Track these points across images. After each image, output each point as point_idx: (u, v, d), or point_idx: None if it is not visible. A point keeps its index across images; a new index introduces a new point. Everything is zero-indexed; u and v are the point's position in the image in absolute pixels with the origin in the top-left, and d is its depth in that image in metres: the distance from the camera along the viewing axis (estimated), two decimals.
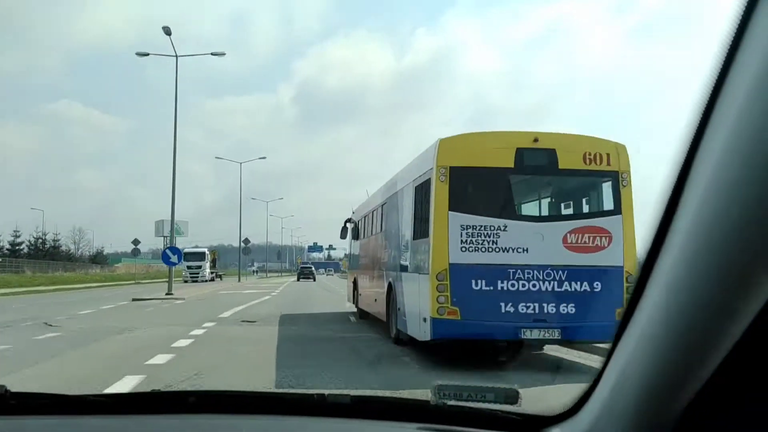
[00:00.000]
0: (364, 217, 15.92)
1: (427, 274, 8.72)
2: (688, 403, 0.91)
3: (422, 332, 8.91)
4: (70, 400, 1.60)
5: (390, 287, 11.48)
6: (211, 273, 58.19)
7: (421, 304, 9.06)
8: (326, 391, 1.64)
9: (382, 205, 13.02)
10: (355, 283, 17.32)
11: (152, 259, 60.00)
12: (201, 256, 56.06)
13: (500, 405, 1.51)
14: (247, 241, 58.89)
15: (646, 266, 0.90)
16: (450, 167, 8.73)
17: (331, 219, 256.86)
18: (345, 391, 2.28)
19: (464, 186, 8.76)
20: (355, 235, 17.59)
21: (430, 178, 8.97)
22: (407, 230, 10.33)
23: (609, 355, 1.08)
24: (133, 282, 52.80)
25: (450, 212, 8.63)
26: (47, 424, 1.54)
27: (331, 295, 32.34)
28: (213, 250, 63.26)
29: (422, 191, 9.50)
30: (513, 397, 1.52)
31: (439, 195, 8.72)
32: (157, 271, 69.45)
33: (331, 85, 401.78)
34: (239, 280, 57.23)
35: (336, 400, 1.56)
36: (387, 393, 4.92)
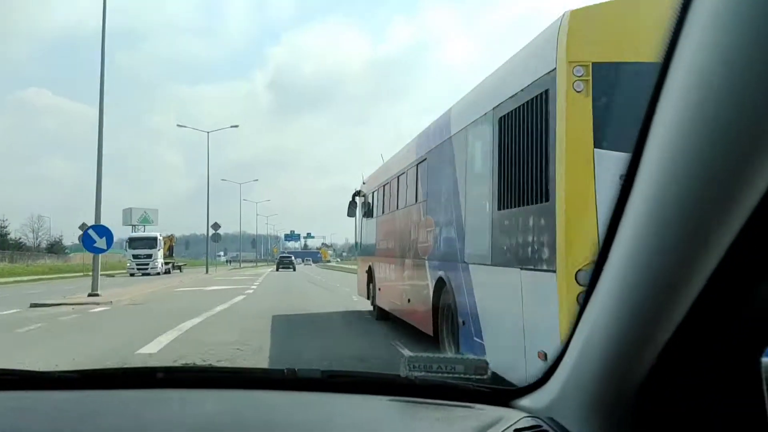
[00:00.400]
0: (384, 186, 12.34)
1: (548, 272, 4.73)
2: (649, 369, 0.93)
3: (530, 373, 4.57)
4: (36, 375, 1.66)
5: (441, 285, 7.84)
6: (167, 263, 48.04)
7: (528, 326, 5.13)
8: (297, 367, 1.60)
9: (419, 164, 9.33)
10: (370, 273, 13.68)
11: (121, 249, 50.40)
12: (151, 242, 44.84)
13: (469, 377, 1.51)
14: (216, 226, 49.77)
15: (607, 241, 0.94)
16: (593, 64, 4.58)
17: (307, 208, 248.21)
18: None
19: (619, 101, 4.52)
20: (369, 211, 14.11)
21: (542, 93, 4.96)
22: (482, 194, 6.30)
23: (574, 326, 1.10)
24: (81, 274, 43.43)
25: (598, 151, 4.48)
26: (12, 397, 1.55)
27: (324, 291, 24.16)
28: (169, 236, 52.75)
29: (517, 122, 5.44)
30: (482, 369, 1.52)
31: (574, 119, 4.55)
32: (118, 262, 59.84)
33: (307, 73, 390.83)
34: (207, 272, 47.40)
35: (307, 374, 1.59)
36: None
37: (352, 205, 15.41)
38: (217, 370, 1.81)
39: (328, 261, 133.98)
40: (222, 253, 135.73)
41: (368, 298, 13.97)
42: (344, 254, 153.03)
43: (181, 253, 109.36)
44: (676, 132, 0.76)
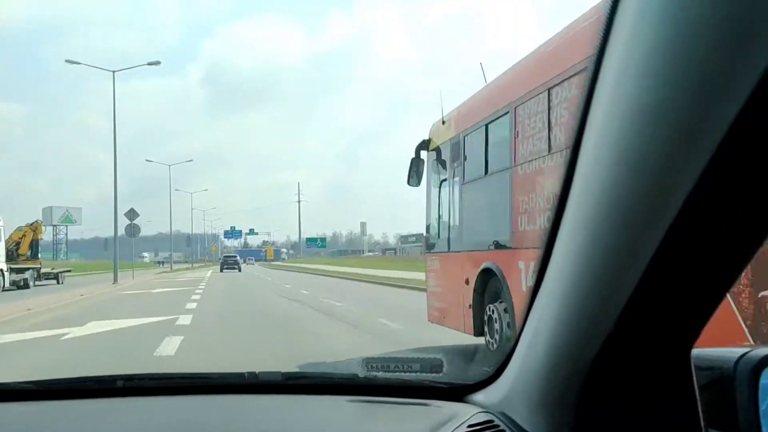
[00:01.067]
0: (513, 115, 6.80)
1: None
2: (590, 363, 0.93)
3: None
4: None
5: None
6: (19, 270, 28.84)
7: None
8: (258, 370, 1.59)
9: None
10: (485, 283, 7.42)
11: (43, 252, 33.78)
12: None
13: (426, 375, 1.55)
14: (133, 214, 34.50)
15: (552, 231, 0.95)
16: None
17: (248, 205, 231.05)
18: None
19: None
20: (464, 171, 8.19)
21: None
22: None
23: (525, 318, 1.12)
24: None
25: None
26: None
27: (313, 312, 14.59)
28: (32, 225, 31.87)
29: None
30: (438, 367, 1.56)
31: None
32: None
33: (243, 67, 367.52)
34: (115, 281, 29.87)
35: (268, 377, 1.60)
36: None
37: (418, 165, 9.33)
38: (179, 376, 1.70)
39: (273, 260, 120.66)
40: (146, 254, 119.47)
41: (476, 333, 7.54)
42: (290, 252, 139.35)
43: (99, 254, 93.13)
44: (608, 128, 0.77)
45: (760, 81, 0.58)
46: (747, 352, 0.97)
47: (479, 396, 1.36)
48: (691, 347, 0.92)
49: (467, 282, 7.79)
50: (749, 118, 0.61)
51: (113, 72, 31.22)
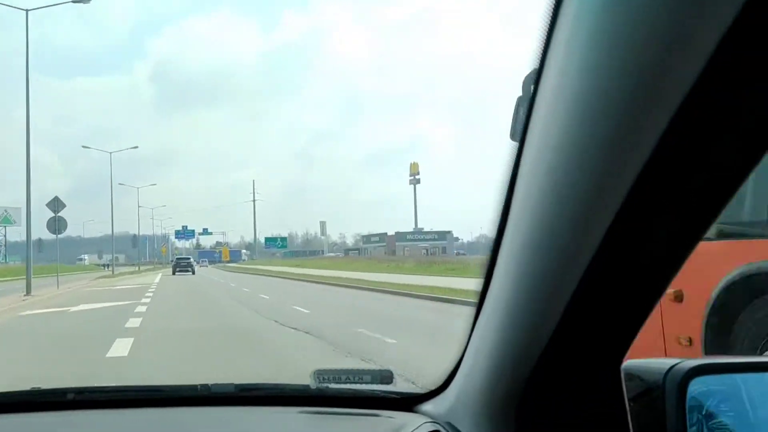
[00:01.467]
0: None
1: None
2: (530, 375, 0.94)
3: None
4: None
5: None
6: None
7: None
8: (211, 382, 1.58)
9: None
10: None
11: None
12: None
13: (377, 385, 1.54)
14: (58, 204, 27.36)
15: (497, 237, 0.95)
16: None
17: (201, 205, 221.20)
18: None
19: None
20: None
21: None
22: None
23: (472, 326, 1.11)
24: None
25: None
26: None
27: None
28: None
29: None
30: (388, 378, 1.56)
31: None
32: None
33: (193, 65, 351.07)
34: (28, 292, 22.28)
35: (220, 389, 1.58)
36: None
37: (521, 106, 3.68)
38: (132, 389, 1.67)
39: (229, 261, 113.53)
40: (86, 256, 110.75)
41: None
42: (246, 252, 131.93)
43: (37, 257, 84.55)
44: (551, 126, 0.76)
45: (698, 77, 0.58)
46: (676, 364, 0.96)
47: (429, 406, 1.37)
48: (622, 359, 0.94)
49: None
50: (686, 114, 0.61)
51: (26, 11, 24.89)
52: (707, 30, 0.57)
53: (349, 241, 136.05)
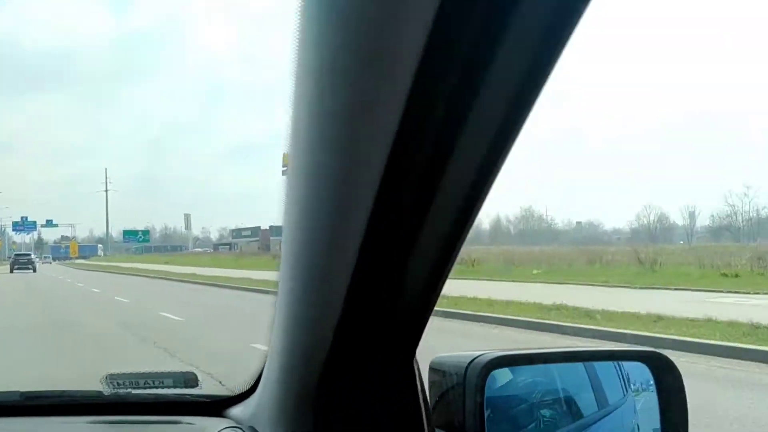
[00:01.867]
0: None
1: None
2: (320, 373, 0.93)
3: None
4: None
5: None
6: None
7: None
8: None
9: None
10: None
11: None
12: None
13: (181, 389, 1.48)
14: None
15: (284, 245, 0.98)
16: None
17: (42, 197, 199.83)
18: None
19: None
20: None
21: None
22: None
23: (272, 326, 1.13)
24: None
25: None
26: None
27: None
28: None
29: None
30: (192, 381, 1.49)
31: None
32: None
33: (32, 46, 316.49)
34: None
35: (4, 398, 1.50)
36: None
37: None
38: None
39: (78, 257, 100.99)
40: None
41: None
42: (102, 248, 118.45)
43: None
44: (299, 129, 0.78)
45: (412, 82, 0.61)
46: (476, 357, 0.98)
47: (238, 409, 1.32)
48: (413, 352, 0.95)
49: None
50: (411, 118, 0.64)
51: None
52: (405, 46, 0.61)
53: (214, 236, 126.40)
